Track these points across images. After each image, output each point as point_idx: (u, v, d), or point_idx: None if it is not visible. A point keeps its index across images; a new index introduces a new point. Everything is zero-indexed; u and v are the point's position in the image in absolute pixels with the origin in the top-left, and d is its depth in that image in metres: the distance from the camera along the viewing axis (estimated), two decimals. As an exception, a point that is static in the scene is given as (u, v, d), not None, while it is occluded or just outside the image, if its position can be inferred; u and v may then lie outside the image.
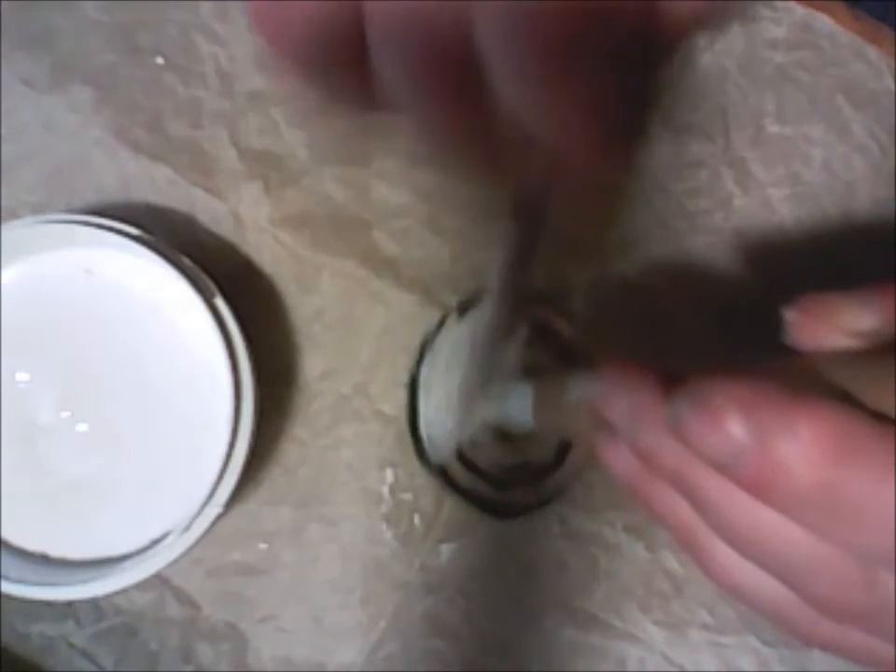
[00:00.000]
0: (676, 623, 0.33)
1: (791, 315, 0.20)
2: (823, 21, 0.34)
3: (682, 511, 0.17)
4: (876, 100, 0.34)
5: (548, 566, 0.33)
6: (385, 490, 0.33)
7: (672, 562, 0.33)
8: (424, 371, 0.32)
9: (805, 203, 0.34)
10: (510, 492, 0.32)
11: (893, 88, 0.34)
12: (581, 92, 0.15)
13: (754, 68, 0.34)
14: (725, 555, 0.17)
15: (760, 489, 0.14)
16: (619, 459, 0.19)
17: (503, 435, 0.32)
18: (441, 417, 0.32)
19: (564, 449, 0.32)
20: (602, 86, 0.16)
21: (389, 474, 0.33)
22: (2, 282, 0.31)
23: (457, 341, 0.32)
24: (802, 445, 0.14)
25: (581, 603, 0.33)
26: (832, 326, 0.19)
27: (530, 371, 0.30)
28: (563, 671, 0.33)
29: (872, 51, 0.34)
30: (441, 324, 0.32)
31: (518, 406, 0.29)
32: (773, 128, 0.34)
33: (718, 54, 0.34)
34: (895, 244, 0.33)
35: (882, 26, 0.34)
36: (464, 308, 0.32)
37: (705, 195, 0.34)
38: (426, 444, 0.32)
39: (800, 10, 0.34)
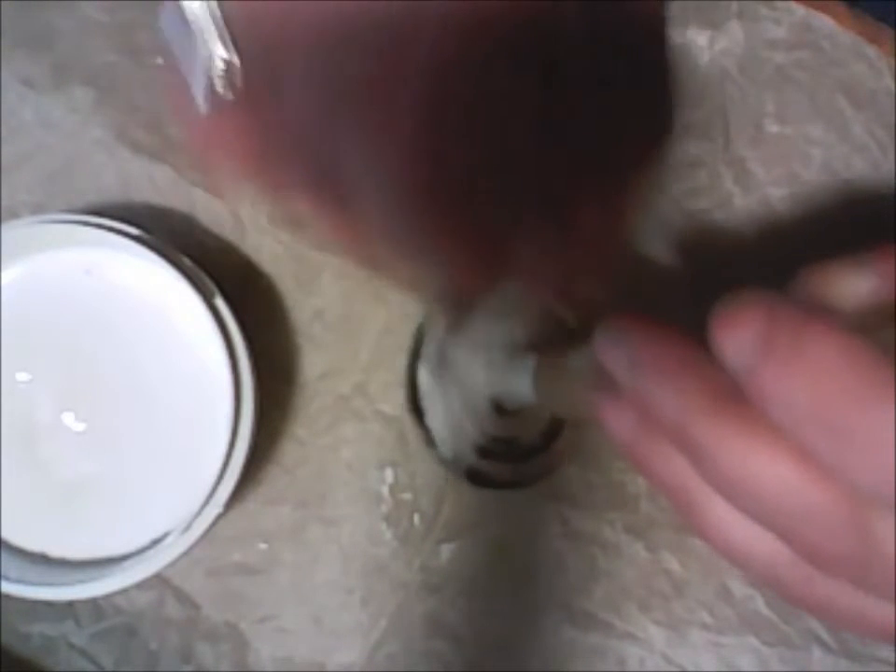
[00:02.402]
0: (676, 623, 0.33)
1: (793, 288, 0.19)
2: (823, 20, 0.34)
3: (679, 469, 0.17)
4: (876, 100, 0.34)
5: (548, 566, 0.33)
6: (385, 490, 0.33)
7: (672, 562, 0.33)
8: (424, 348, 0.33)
9: (804, 203, 0.34)
10: (490, 462, 0.33)
11: (893, 88, 0.34)
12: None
13: (754, 68, 0.34)
14: (721, 513, 0.17)
15: (763, 400, 0.15)
16: (618, 418, 0.19)
17: (497, 407, 0.32)
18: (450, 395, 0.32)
19: (552, 435, 0.33)
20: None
21: (389, 474, 0.33)
22: (2, 282, 0.31)
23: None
24: (807, 364, 0.14)
25: (581, 603, 0.33)
26: (832, 294, 0.18)
27: (534, 347, 0.31)
28: (563, 671, 0.33)
29: (872, 51, 0.34)
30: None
31: (519, 379, 0.29)
32: (773, 128, 0.34)
33: (718, 54, 0.34)
34: (895, 243, 0.33)
35: (882, 26, 0.34)
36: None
37: (704, 195, 0.34)
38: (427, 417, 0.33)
39: (800, 10, 0.34)
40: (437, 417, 0.33)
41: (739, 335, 0.15)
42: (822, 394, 0.14)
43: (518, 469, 0.33)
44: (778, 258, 0.34)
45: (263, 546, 0.33)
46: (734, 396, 0.15)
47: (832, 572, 0.16)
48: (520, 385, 0.29)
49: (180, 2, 0.18)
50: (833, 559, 0.15)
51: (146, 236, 0.30)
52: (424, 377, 0.33)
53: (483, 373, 0.32)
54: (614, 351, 0.19)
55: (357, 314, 0.33)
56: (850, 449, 0.14)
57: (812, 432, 0.14)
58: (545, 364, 0.28)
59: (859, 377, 0.13)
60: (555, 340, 0.32)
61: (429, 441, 0.33)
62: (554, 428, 0.33)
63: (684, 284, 0.33)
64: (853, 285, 0.18)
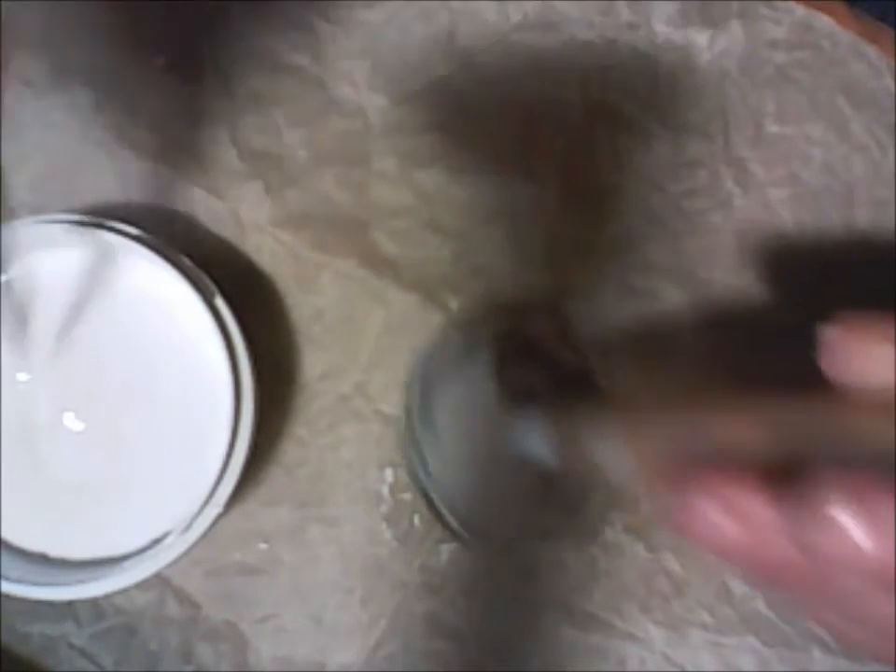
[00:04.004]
0: (676, 623, 0.33)
1: (828, 333, 0.18)
2: (823, 20, 0.34)
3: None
4: (876, 100, 0.34)
5: (548, 565, 0.33)
6: (385, 490, 0.33)
7: (672, 562, 0.33)
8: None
9: (804, 203, 0.34)
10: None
11: (893, 88, 0.34)
12: None
13: (754, 68, 0.34)
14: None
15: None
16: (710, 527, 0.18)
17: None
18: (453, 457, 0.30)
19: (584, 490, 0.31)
20: None
21: (389, 474, 0.33)
22: (2, 282, 0.31)
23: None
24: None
25: (581, 603, 0.33)
26: (879, 355, 0.17)
27: (534, 399, 0.29)
28: (563, 671, 0.33)
29: (872, 51, 0.34)
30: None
31: (533, 441, 0.27)
32: (773, 128, 0.34)
33: (718, 54, 0.34)
34: (895, 244, 0.33)
35: (882, 26, 0.34)
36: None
37: (704, 195, 0.34)
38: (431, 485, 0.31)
39: (800, 10, 0.34)
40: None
41: (839, 532, 0.15)
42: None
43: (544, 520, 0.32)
44: (778, 258, 0.34)
45: (263, 546, 0.33)
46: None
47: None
48: (536, 449, 0.27)
49: None
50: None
51: (146, 236, 0.30)
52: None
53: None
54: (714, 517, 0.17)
55: (357, 314, 0.33)
56: None
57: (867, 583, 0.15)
58: (562, 429, 0.26)
59: None
60: (552, 386, 0.30)
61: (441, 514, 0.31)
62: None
63: (686, 285, 0.33)
64: (881, 358, 0.17)
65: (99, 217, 0.30)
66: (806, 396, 0.18)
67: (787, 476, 0.16)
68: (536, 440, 0.27)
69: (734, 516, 0.17)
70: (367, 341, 0.33)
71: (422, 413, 0.31)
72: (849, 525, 0.14)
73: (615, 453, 0.22)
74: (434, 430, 0.30)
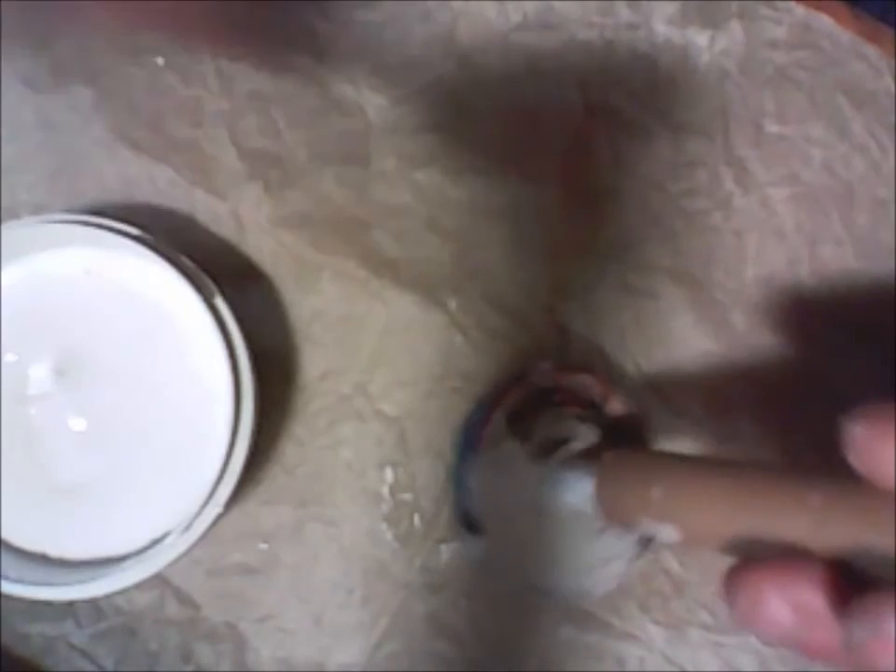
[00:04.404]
0: (676, 623, 0.33)
1: (851, 430, 0.16)
2: (823, 20, 0.34)
3: None
4: (876, 100, 0.34)
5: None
6: (385, 490, 0.33)
7: (672, 562, 0.33)
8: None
9: (804, 203, 0.34)
10: None
11: (893, 88, 0.34)
12: None
13: (754, 68, 0.34)
14: None
15: None
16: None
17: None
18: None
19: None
20: None
21: (389, 474, 0.33)
22: (2, 282, 0.31)
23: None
24: None
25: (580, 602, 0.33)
26: (880, 459, 0.16)
27: (576, 452, 0.29)
28: (562, 671, 0.33)
29: (872, 51, 0.34)
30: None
31: (574, 487, 0.27)
32: (773, 128, 0.34)
33: (718, 54, 0.34)
34: (895, 244, 0.33)
35: (882, 26, 0.34)
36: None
37: (703, 195, 0.34)
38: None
39: (800, 10, 0.34)
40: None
41: None
42: None
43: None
44: (778, 258, 0.34)
45: (263, 546, 0.33)
46: None
47: None
48: (579, 502, 0.27)
49: None
50: None
51: (146, 236, 0.30)
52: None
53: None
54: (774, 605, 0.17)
55: (356, 314, 0.33)
56: None
57: None
58: (609, 483, 0.26)
59: None
60: (597, 437, 0.30)
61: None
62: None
63: (686, 286, 0.33)
64: None
65: (99, 216, 0.30)
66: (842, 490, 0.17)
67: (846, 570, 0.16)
68: (579, 492, 0.27)
69: (790, 605, 0.17)
70: (367, 341, 0.33)
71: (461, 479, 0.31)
72: None
73: (659, 512, 0.22)
74: (486, 485, 0.31)
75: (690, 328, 0.33)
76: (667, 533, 0.22)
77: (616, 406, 0.31)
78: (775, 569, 0.17)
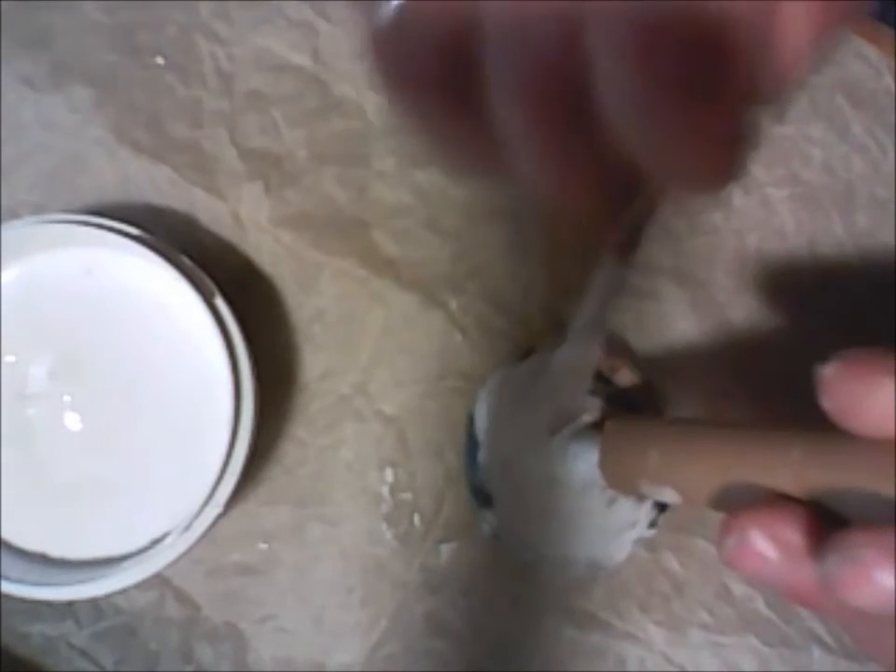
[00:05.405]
0: (676, 623, 0.33)
1: (823, 373, 0.17)
2: (823, 21, 0.34)
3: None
4: (876, 100, 0.34)
5: (548, 565, 0.33)
6: (385, 490, 0.33)
7: (672, 562, 0.33)
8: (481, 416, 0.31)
9: (804, 203, 0.34)
10: None
11: (893, 88, 0.34)
12: (701, 125, 0.15)
13: (754, 68, 0.34)
14: None
15: None
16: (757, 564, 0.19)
17: None
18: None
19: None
20: (721, 118, 0.15)
21: (389, 474, 0.33)
22: (2, 282, 0.31)
23: (520, 385, 0.31)
24: None
25: (581, 603, 0.33)
26: (861, 402, 0.17)
27: (586, 424, 0.29)
28: (563, 671, 0.33)
29: (872, 51, 0.34)
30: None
31: (583, 458, 0.28)
32: (773, 128, 0.34)
33: (718, 54, 0.34)
34: (895, 243, 0.33)
35: (882, 26, 0.34)
36: (525, 353, 0.32)
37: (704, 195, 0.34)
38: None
39: (800, 10, 0.34)
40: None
41: (874, 583, 0.16)
42: None
43: None
44: (777, 258, 0.34)
45: (263, 546, 0.33)
46: None
47: None
48: (584, 466, 0.27)
49: None
50: None
51: (146, 236, 0.30)
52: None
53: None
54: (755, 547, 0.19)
55: (356, 314, 0.33)
56: None
57: None
58: (615, 447, 0.26)
59: None
60: (610, 407, 0.30)
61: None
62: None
63: (686, 286, 0.33)
64: (882, 396, 0.17)
65: (99, 216, 0.30)
66: (821, 438, 0.18)
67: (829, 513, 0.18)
68: (588, 462, 0.28)
69: (777, 543, 0.18)
70: (367, 341, 0.33)
71: (488, 442, 0.31)
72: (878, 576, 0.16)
73: (663, 473, 0.23)
74: (499, 459, 0.31)
75: (690, 327, 0.33)
76: (667, 495, 0.23)
77: (625, 377, 0.31)
78: (761, 511, 0.18)
